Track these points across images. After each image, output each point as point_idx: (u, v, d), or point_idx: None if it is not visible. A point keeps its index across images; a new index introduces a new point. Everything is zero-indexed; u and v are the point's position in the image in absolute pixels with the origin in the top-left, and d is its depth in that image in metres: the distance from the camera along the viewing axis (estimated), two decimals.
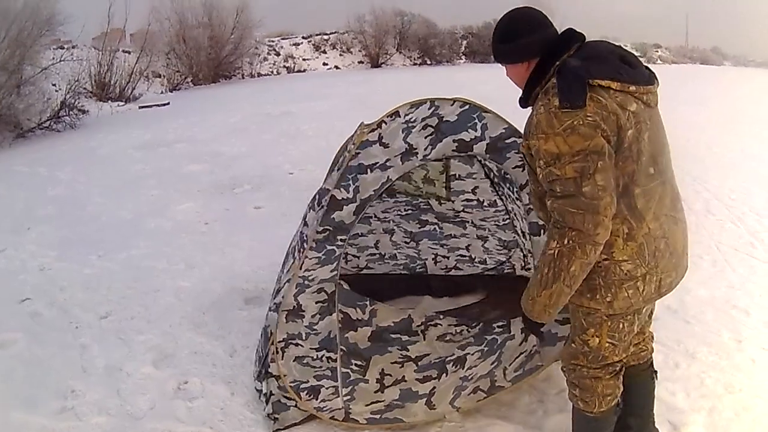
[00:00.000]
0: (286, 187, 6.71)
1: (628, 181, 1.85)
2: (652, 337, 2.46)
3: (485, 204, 3.78)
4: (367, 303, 2.69)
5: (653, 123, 1.94)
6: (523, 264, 3.85)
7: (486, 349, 2.69)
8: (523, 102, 2.04)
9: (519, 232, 3.45)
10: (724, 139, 8.82)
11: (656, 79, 1.99)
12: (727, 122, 10.18)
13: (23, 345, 3.49)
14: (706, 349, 3.25)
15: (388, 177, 2.53)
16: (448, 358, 2.68)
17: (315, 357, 2.64)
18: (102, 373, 3.21)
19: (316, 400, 2.67)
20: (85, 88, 13.56)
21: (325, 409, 2.68)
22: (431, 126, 2.51)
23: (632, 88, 1.86)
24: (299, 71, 25.29)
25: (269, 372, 2.70)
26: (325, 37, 27.95)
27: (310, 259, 2.56)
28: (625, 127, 1.82)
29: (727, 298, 3.85)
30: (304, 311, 2.60)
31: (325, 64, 26.52)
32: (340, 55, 27.35)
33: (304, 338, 2.62)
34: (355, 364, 2.65)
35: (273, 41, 26.49)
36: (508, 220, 3.72)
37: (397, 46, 27.36)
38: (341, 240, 2.57)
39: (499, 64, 2.10)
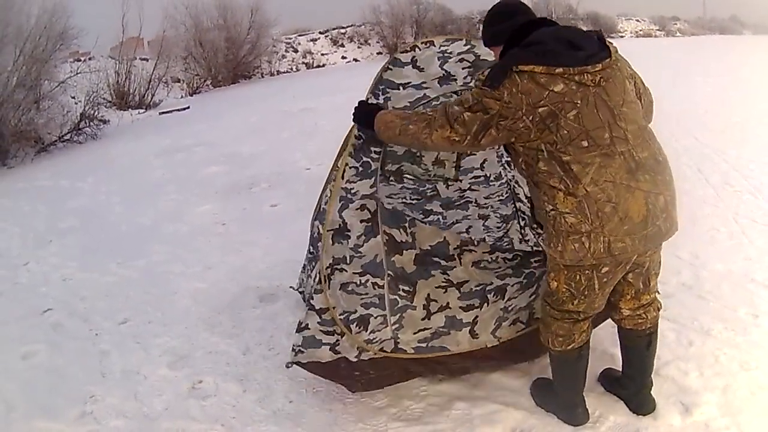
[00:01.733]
0: (302, 183, 6.71)
1: (551, 149, 2.12)
2: (657, 308, 2.51)
3: (491, 179, 3.75)
4: (407, 224, 2.67)
5: (589, 101, 2.10)
6: (520, 237, 3.82)
7: (525, 281, 2.73)
8: None
9: (522, 198, 3.46)
10: (743, 108, 8.50)
11: (607, 56, 2.15)
12: (747, 91, 9.81)
13: (45, 355, 3.59)
14: (722, 326, 3.18)
15: (425, 94, 2.49)
16: (488, 288, 2.69)
17: (359, 282, 2.53)
18: (120, 378, 3.29)
19: (366, 331, 2.58)
20: (104, 98, 13.72)
21: (374, 340, 2.62)
22: (468, 61, 2.52)
23: (559, 70, 2.08)
24: (318, 66, 25.27)
25: (312, 304, 2.59)
26: (342, 30, 27.88)
27: (350, 168, 2.53)
28: (538, 105, 2.08)
29: (744, 271, 3.76)
30: (349, 230, 2.51)
31: (343, 57, 26.48)
32: (359, 47, 27.28)
33: (348, 262, 2.52)
34: (403, 290, 2.60)
35: (290, 38, 26.50)
36: (509, 193, 3.69)
37: (415, 35, 27.11)
38: (375, 153, 2.55)
39: None
